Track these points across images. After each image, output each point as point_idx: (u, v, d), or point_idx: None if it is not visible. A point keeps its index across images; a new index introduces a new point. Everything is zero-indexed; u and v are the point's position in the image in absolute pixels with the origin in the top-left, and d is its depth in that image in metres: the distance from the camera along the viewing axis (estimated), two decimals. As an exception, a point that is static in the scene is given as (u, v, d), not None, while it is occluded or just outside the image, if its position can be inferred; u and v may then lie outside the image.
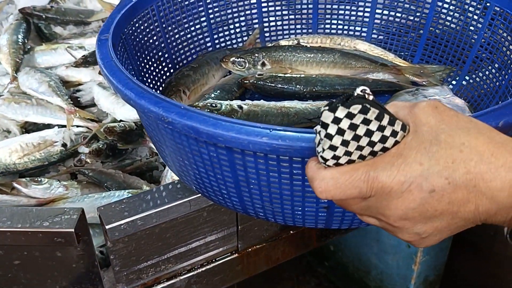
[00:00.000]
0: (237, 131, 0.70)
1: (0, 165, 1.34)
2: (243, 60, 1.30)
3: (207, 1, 1.35)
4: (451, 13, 1.27)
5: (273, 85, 1.27)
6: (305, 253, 2.23)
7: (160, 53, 1.27)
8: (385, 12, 1.39)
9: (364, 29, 1.44)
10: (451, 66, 1.27)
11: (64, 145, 1.37)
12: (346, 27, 1.45)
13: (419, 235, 0.60)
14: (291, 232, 1.29)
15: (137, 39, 1.19)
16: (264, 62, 1.31)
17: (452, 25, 1.27)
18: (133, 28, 1.17)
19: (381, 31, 1.42)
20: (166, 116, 0.76)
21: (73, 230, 0.91)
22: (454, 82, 1.27)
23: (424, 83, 1.28)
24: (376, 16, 1.41)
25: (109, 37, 1.01)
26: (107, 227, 0.98)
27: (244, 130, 0.69)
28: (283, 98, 1.22)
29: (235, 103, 1.14)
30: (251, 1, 1.43)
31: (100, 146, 1.35)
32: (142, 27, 1.21)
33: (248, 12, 1.43)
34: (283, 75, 1.30)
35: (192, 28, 1.35)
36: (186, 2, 1.32)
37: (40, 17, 1.86)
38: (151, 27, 1.24)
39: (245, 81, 1.29)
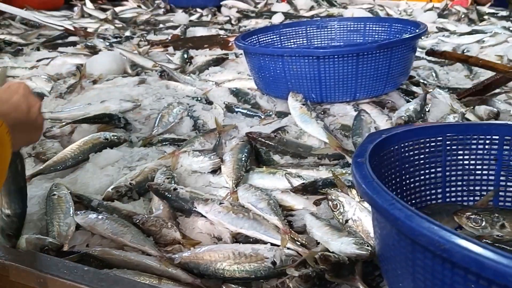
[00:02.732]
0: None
1: (210, 267, 1.37)
2: (481, 218, 1.22)
3: (447, 153, 1.34)
4: None
5: (513, 250, 1.17)
6: None
7: (393, 193, 1.26)
8: None
9: None
10: None
11: (273, 263, 1.36)
12: None
13: None
14: None
15: (378, 174, 1.19)
16: (504, 224, 1.21)
17: None
18: (377, 162, 1.18)
19: None
20: (443, 243, 0.72)
21: None
22: None
23: None
24: None
25: (365, 161, 1.03)
26: None
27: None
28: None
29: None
30: (490, 166, 1.38)
31: (310, 273, 1.31)
32: (382, 164, 1.23)
33: (485, 172, 1.38)
34: (525, 242, 1.19)
35: (427, 176, 1.34)
36: (427, 149, 1.32)
37: (263, 143, 1.99)
38: (391, 165, 1.25)
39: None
